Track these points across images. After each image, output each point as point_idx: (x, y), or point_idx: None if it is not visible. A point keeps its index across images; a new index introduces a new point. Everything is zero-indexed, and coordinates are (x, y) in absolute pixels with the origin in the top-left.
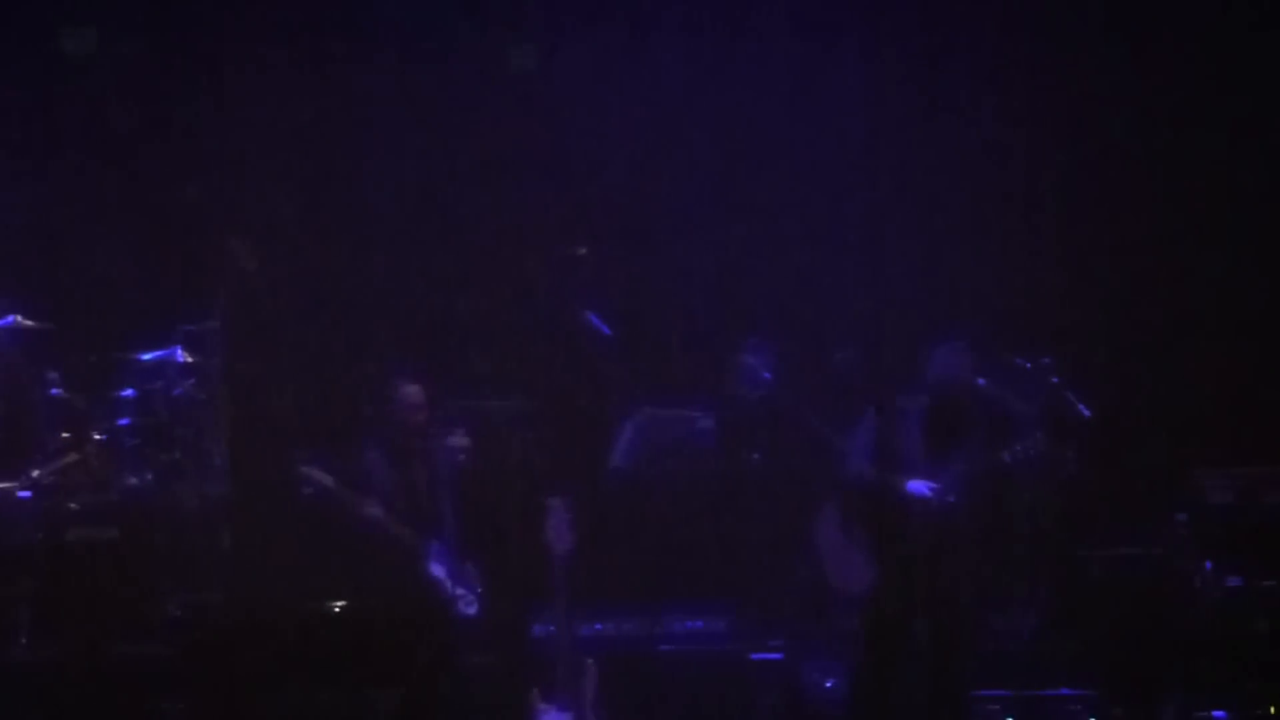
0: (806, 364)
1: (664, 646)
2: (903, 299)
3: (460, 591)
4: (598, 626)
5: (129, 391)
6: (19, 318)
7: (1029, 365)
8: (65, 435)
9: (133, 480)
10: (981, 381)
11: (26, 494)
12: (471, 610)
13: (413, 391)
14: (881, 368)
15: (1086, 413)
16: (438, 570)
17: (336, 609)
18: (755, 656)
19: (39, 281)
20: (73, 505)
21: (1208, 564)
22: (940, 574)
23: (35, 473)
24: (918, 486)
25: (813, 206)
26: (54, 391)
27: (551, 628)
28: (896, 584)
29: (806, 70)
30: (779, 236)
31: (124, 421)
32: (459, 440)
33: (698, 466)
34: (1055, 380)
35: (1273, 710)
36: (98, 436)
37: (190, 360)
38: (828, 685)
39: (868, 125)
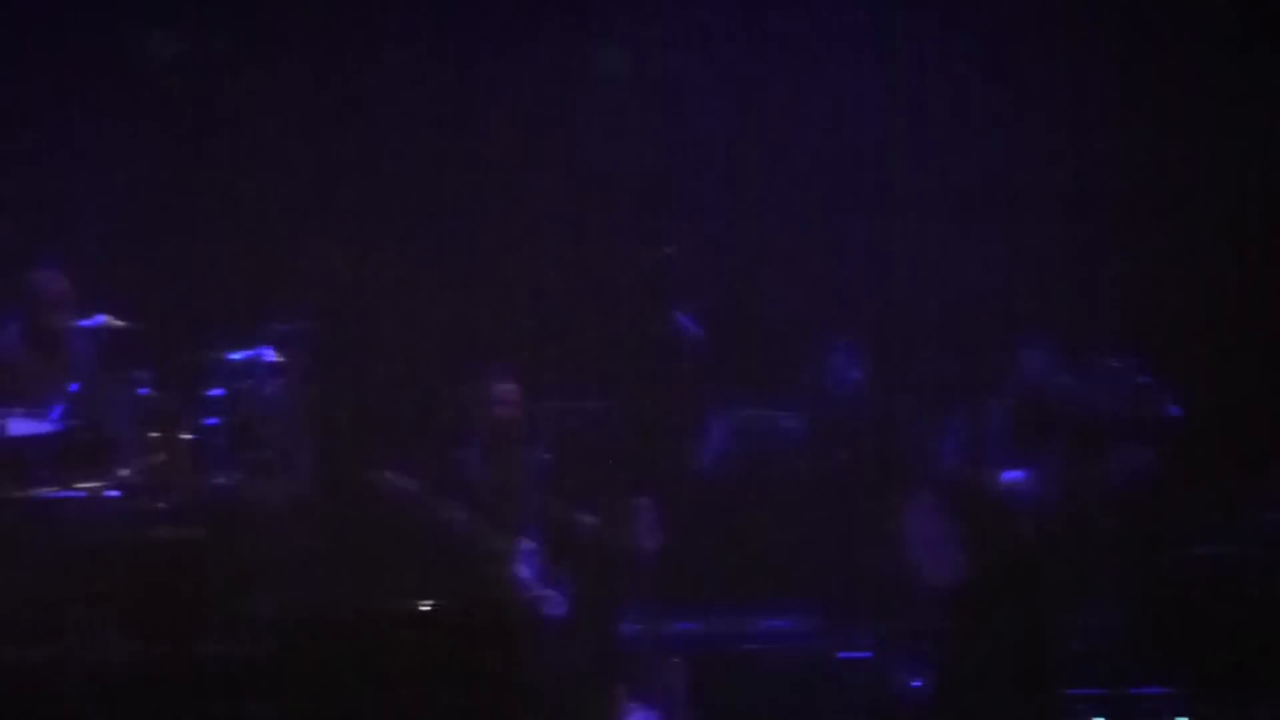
0: (895, 362)
1: (751, 645)
2: (991, 296)
3: (547, 593)
4: (685, 625)
5: (217, 391)
6: (109, 317)
7: (1118, 364)
8: (153, 435)
9: (220, 480)
10: (1067, 382)
11: (114, 493)
12: (559, 611)
13: (506, 390)
14: (970, 366)
15: (1175, 411)
16: (525, 571)
17: (423, 609)
18: (843, 655)
19: (128, 281)
20: (160, 504)
21: None
22: (1033, 570)
23: (123, 472)
24: (1012, 480)
25: (901, 204)
26: (142, 391)
27: (639, 627)
28: (989, 580)
29: (895, 70)
30: (867, 234)
31: (212, 421)
32: (546, 440)
33: (785, 465)
34: (1144, 379)
35: None
36: (186, 436)
37: (279, 360)
38: (916, 684)
39: (957, 122)
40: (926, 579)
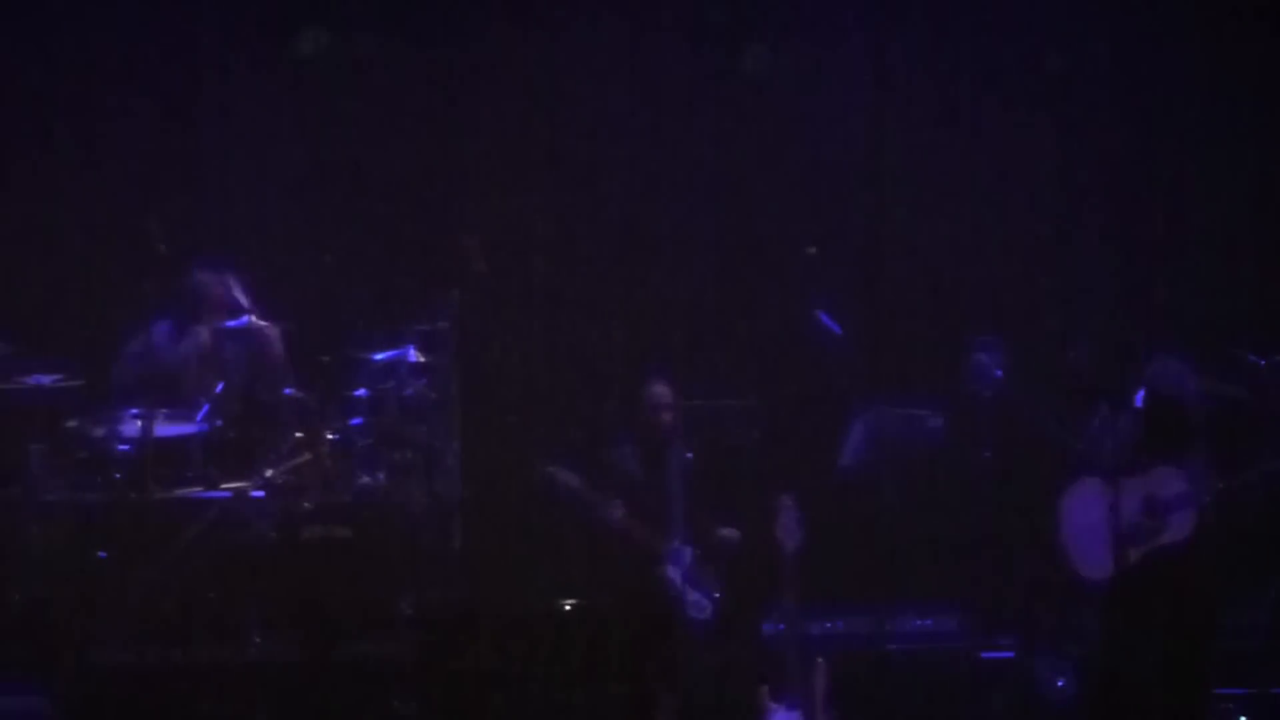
0: (1039, 361)
1: (894, 645)
2: (1133, 294)
3: (695, 596)
4: (828, 625)
5: (362, 391)
6: (253, 318)
7: (1263, 362)
8: (299, 435)
9: (365, 480)
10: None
11: (260, 493)
12: (704, 615)
13: (662, 391)
14: (1114, 364)
15: None
16: (674, 573)
17: (568, 608)
18: (986, 655)
19: (272, 282)
20: (306, 505)
21: None
22: (1184, 569)
23: (269, 472)
24: (1160, 477)
25: (1044, 202)
26: (287, 391)
27: (781, 626)
28: (1140, 577)
29: (1041, 65)
30: (1010, 233)
31: (357, 421)
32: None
33: (928, 464)
34: None
35: None
36: (331, 436)
37: (423, 360)
38: (1060, 684)
39: (1106, 121)
40: (1074, 577)
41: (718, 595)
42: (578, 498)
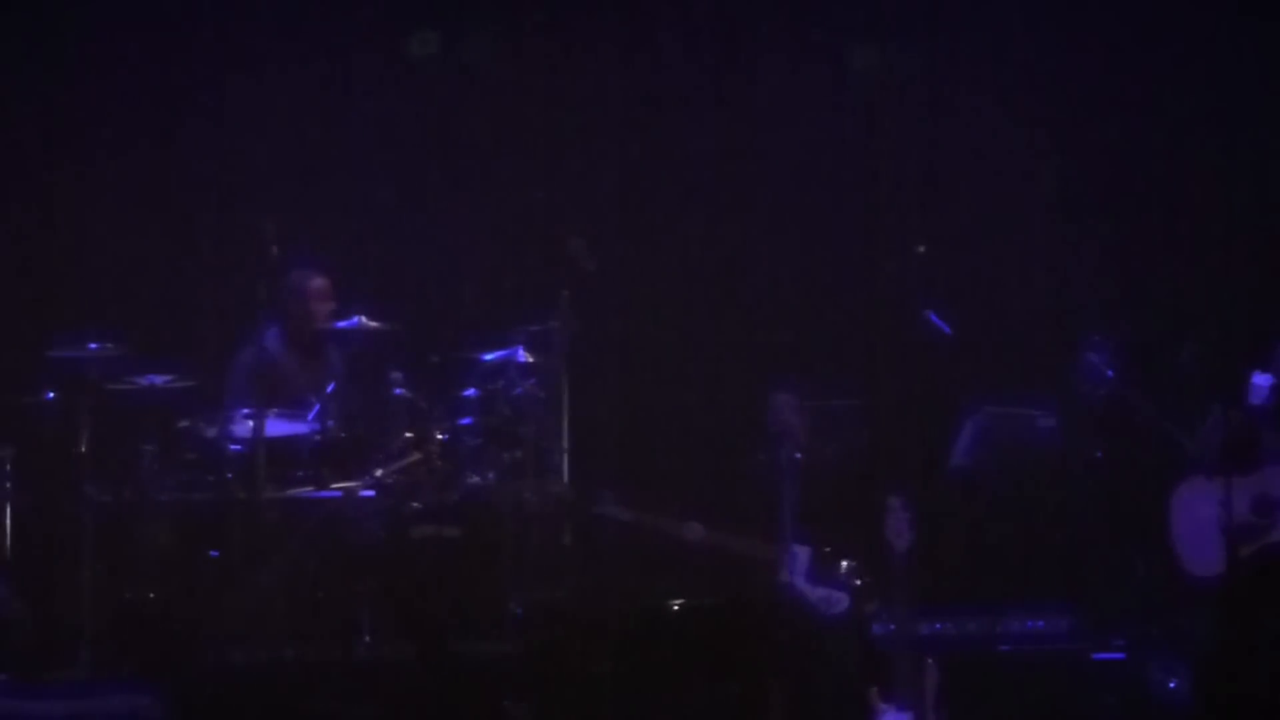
0: (1151, 360)
1: (1004, 646)
2: (1248, 290)
3: (822, 592)
4: (938, 626)
5: (471, 391)
6: (364, 318)
7: None
8: (408, 435)
9: (475, 479)
10: None
11: (370, 493)
12: (840, 609)
13: (786, 400)
14: (1227, 363)
15: None
16: (793, 576)
17: (676, 607)
18: (1097, 656)
19: (384, 282)
20: (415, 504)
21: None
22: None
23: (379, 472)
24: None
25: (1153, 199)
26: (397, 391)
27: (891, 626)
28: (1252, 576)
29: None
30: (1119, 231)
31: (466, 421)
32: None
33: (1039, 464)
34: None
35: None
36: (440, 436)
37: (531, 360)
38: (1172, 685)
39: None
40: (1184, 577)
41: (829, 592)
42: (638, 528)
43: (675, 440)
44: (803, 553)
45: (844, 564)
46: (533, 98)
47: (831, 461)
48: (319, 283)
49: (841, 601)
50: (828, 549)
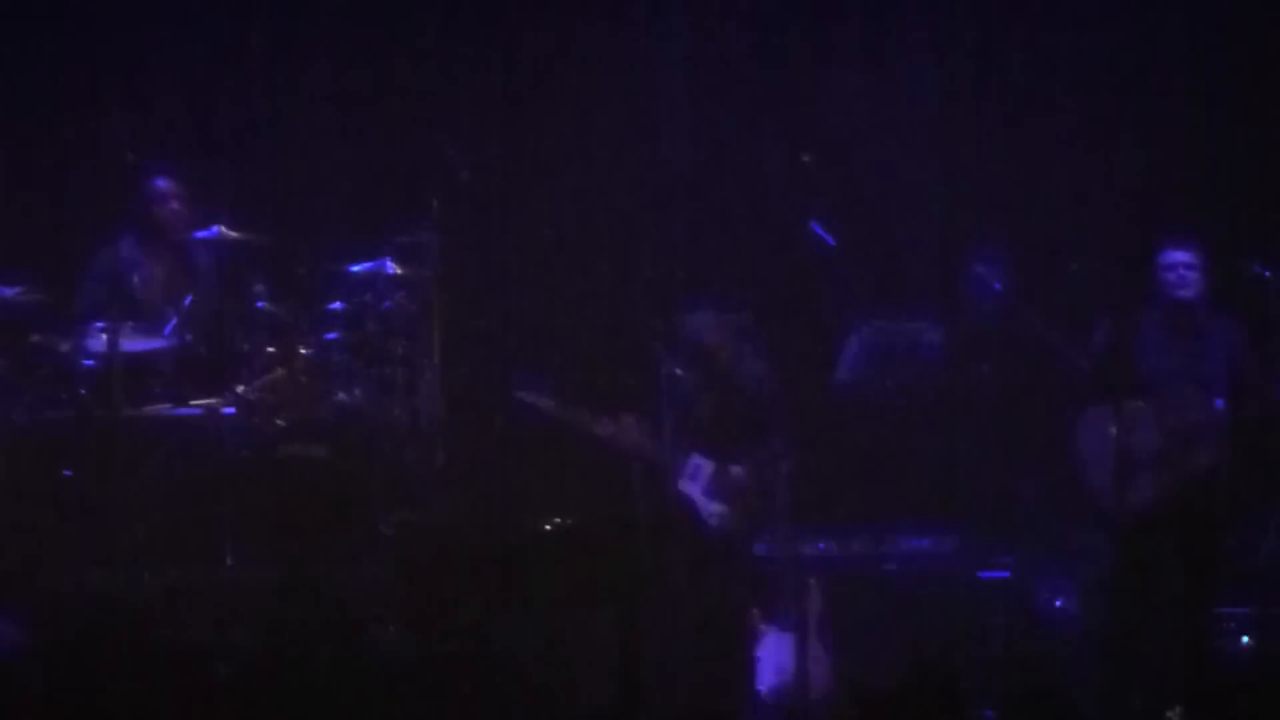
0: (1039, 273)
1: (890, 566)
2: (1135, 202)
3: (713, 507)
4: (821, 545)
5: (338, 304)
6: (223, 228)
7: (1268, 274)
8: (272, 350)
9: (342, 396)
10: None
11: (232, 410)
12: (728, 525)
13: (703, 316)
14: (1117, 276)
15: None
16: (690, 486)
17: (549, 527)
18: (983, 575)
19: (245, 191)
20: (280, 422)
21: None
22: (1197, 487)
23: (242, 388)
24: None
25: (1042, 111)
26: (260, 304)
27: (774, 546)
28: (1157, 504)
29: None
30: (1007, 143)
31: (332, 336)
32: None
33: (925, 380)
34: None
35: None
36: (305, 351)
37: (401, 272)
38: (1058, 604)
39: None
40: (1089, 502)
41: (708, 511)
42: (557, 419)
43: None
44: (705, 465)
45: (739, 481)
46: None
47: (744, 377)
48: (171, 186)
49: (729, 519)
50: (731, 465)
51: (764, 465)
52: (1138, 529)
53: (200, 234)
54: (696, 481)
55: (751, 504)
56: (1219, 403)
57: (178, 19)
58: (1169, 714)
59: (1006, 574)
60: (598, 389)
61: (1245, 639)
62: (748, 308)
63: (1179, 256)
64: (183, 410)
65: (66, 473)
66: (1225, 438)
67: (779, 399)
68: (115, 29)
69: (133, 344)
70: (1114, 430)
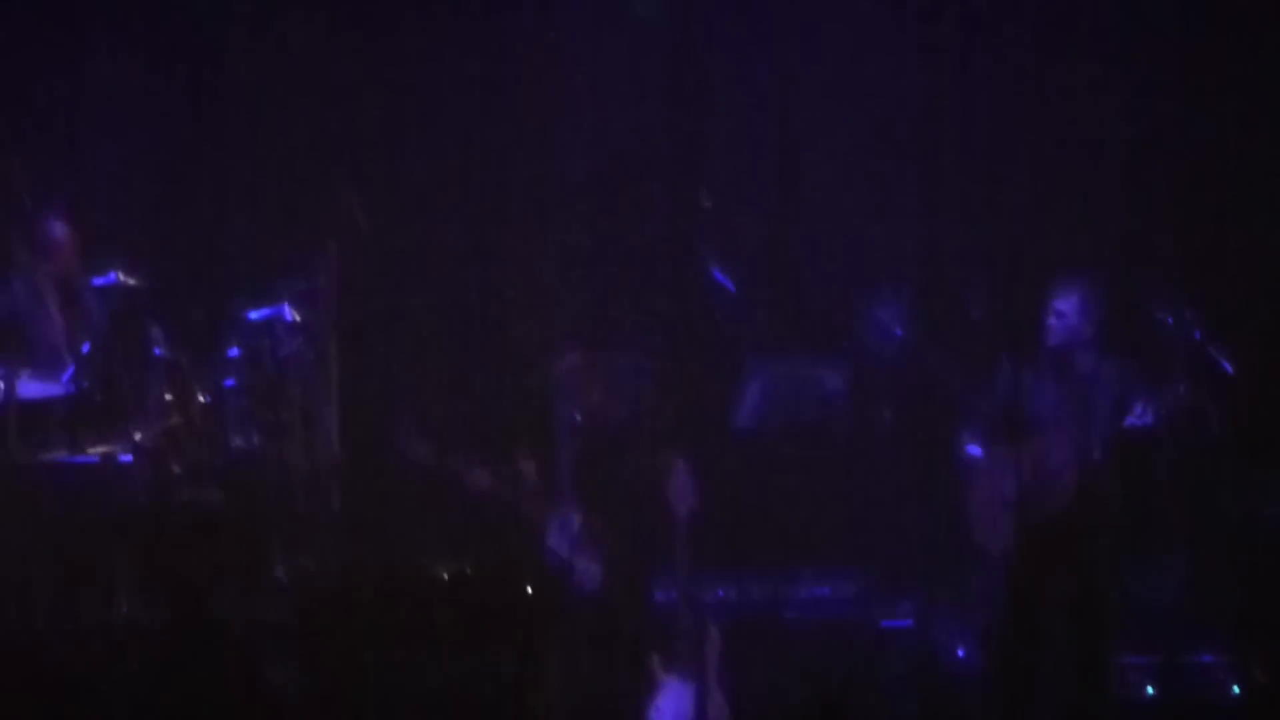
0: (941, 318)
1: (790, 613)
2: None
3: (583, 564)
4: (721, 592)
5: (235, 351)
6: (120, 274)
7: (1170, 319)
8: (168, 396)
9: (239, 442)
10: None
11: (128, 457)
12: (592, 578)
13: (571, 360)
14: (1013, 320)
15: (1229, 369)
16: (559, 542)
17: (445, 576)
18: (885, 624)
19: (142, 237)
20: (176, 468)
21: None
22: (1083, 535)
23: (137, 435)
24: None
25: (945, 154)
26: (156, 351)
27: (673, 593)
28: (1038, 546)
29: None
30: (908, 187)
31: (230, 382)
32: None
33: (826, 425)
34: (1198, 335)
35: None
36: (202, 397)
37: (299, 318)
38: (960, 653)
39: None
40: (975, 542)
41: (603, 558)
42: (434, 467)
43: (454, 401)
44: (573, 519)
45: (606, 532)
46: (294, 49)
47: (615, 423)
48: (67, 231)
49: (594, 571)
50: (598, 517)
51: (641, 511)
52: (1016, 573)
53: (97, 280)
54: (564, 535)
55: (619, 556)
56: (1097, 446)
57: (75, 59)
58: None
59: (908, 623)
60: (491, 436)
61: (1150, 689)
62: (641, 350)
63: (1064, 304)
64: (80, 458)
65: None
66: (1096, 481)
67: (668, 442)
68: (8, 71)
69: (29, 390)
70: (985, 473)
